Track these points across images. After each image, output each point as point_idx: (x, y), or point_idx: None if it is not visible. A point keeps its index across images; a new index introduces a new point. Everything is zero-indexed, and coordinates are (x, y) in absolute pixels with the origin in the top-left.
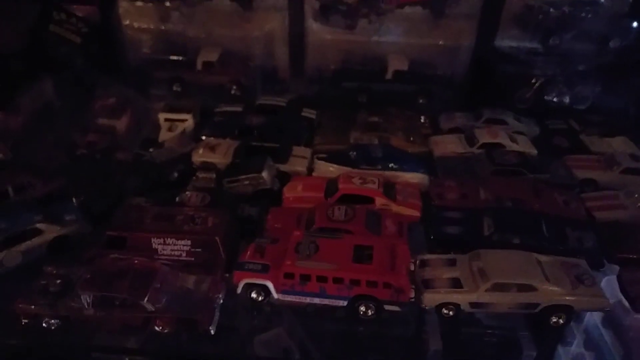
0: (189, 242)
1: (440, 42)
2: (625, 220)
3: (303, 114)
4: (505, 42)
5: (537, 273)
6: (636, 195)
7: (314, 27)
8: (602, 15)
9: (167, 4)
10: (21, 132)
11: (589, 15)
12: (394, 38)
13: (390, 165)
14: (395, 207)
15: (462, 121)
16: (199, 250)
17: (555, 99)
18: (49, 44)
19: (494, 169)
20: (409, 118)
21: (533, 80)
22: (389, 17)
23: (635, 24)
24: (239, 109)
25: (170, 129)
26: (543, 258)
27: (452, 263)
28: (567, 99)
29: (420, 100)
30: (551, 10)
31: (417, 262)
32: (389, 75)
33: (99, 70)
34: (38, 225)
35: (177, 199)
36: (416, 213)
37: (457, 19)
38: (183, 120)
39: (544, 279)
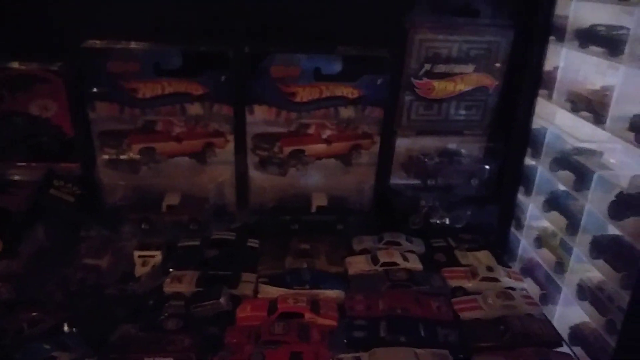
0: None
1: (350, 183)
2: (481, 317)
3: (248, 244)
4: (397, 181)
5: None
6: (489, 299)
7: (255, 175)
8: (464, 161)
9: (135, 157)
10: (21, 274)
11: (454, 162)
12: (315, 181)
13: (315, 285)
14: (319, 320)
15: (369, 244)
16: None
17: (438, 222)
18: (48, 204)
19: (389, 284)
20: (330, 243)
21: (420, 208)
22: (311, 166)
23: (487, 167)
24: (197, 243)
25: (143, 264)
26: (419, 351)
27: None
28: (447, 221)
29: (339, 227)
30: (425, 160)
31: None
32: (313, 209)
33: (81, 214)
34: (54, 354)
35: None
36: (334, 323)
37: (361, 166)
38: (153, 256)
39: None
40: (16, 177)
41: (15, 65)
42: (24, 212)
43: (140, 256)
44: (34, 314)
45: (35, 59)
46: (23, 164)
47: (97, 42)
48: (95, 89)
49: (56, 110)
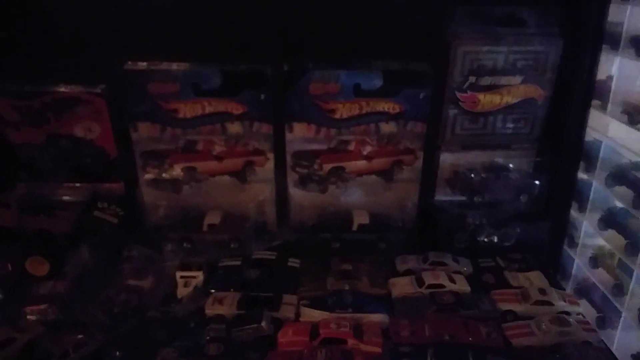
0: None
1: (392, 200)
2: (535, 344)
3: (289, 264)
4: (442, 197)
5: None
6: (543, 324)
7: (295, 192)
8: (512, 176)
9: (177, 176)
10: (67, 295)
11: (502, 177)
12: (356, 198)
13: (358, 308)
14: (362, 346)
15: (413, 264)
16: None
17: (485, 240)
18: (92, 226)
19: (435, 308)
20: (372, 263)
21: (466, 226)
22: (351, 183)
23: (537, 182)
24: (238, 262)
25: (185, 285)
26: None
27: None
28: (495, 239)
29: (381, 246)
30: (472, 175)
31: None
32: (354, 227)
33: (124, 235)
34: None
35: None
36: (378, 349)
37: (403, 182)
38: (195, 277)
39: None
40: (61, 198)
41: (60, 88)
42: (69, 233)
43: (182, 277)
44: (79, 336)
45: (78, 82)
46: (68, 184)
47: (138, 63)
48: (137, 110)
49: (100, 132)
